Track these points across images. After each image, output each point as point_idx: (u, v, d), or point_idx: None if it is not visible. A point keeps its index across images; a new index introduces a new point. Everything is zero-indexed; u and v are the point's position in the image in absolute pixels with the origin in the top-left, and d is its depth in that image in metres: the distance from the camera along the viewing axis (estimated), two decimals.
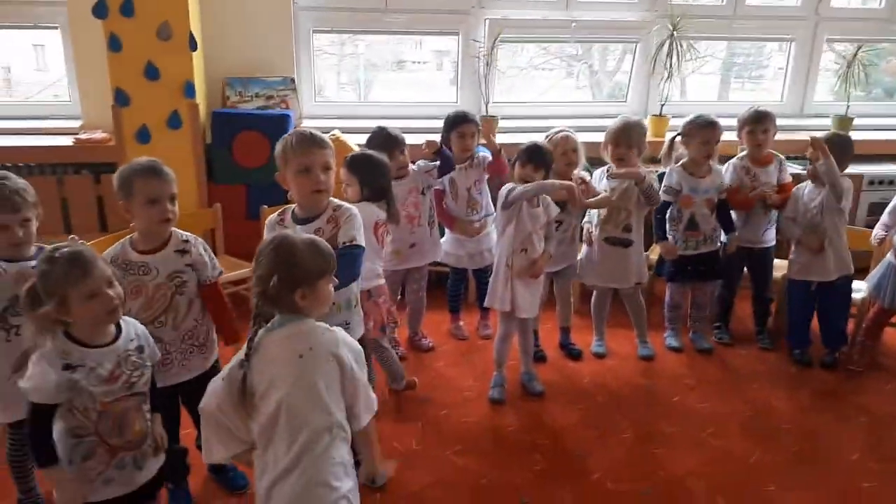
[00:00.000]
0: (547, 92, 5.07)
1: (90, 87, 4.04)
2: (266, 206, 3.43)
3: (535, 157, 2.91)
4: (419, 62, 5.05)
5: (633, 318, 3.52)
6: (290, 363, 1.65)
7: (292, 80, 4.26)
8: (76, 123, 4.18)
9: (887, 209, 3.37)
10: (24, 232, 2.04)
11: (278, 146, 2.27)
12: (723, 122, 3.44)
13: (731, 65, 5.48)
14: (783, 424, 2.94)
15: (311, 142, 2.23)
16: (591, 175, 3.36)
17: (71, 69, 4.20)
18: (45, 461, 1.72)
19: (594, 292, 3.52)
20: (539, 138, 3.23)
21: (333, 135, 3.93)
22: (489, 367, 3.15)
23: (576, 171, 3.22)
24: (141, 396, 1.82)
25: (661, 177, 3.47)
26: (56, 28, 4.17)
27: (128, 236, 2.20)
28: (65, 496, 1.75)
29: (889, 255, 3.32)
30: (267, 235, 2.13)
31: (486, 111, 4.43)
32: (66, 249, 1.70)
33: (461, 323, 3.70)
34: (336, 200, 2.30)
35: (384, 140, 3.13)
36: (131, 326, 1.86)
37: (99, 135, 3.97)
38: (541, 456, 2.68)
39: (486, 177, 3.44)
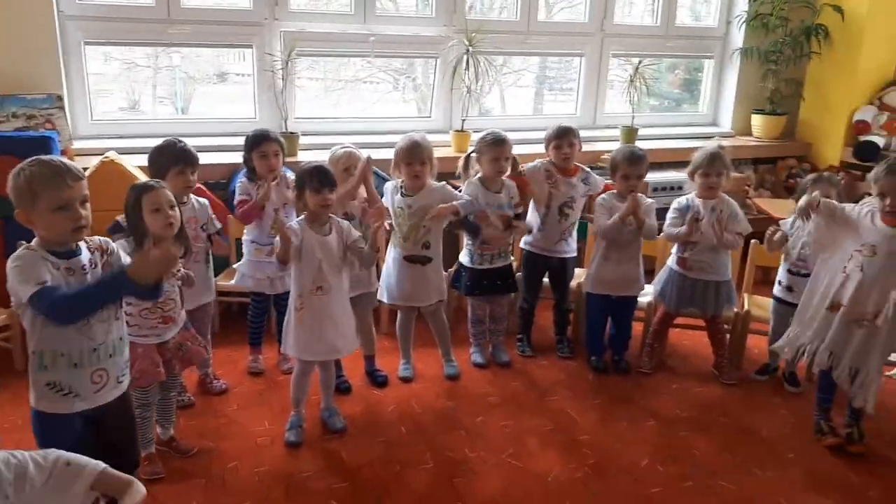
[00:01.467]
0: (373, 106, 4.97)
1: None
2: (25, 242, 3.00)
3: (316, 179, 2.73)
4: (243, 74, 4.73)
5: (437, 337, 3.48)
6: None
7: (59, 98, 3.80)
8: None
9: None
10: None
11: (16, 180, 1.93)
12: (535, 134, 3.47)
13: (543, 78, 5.68)
14: (582, 436, 3.00)
15: (64, 173, 1.92)
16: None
17: None
18: None
19: (399, 313, 3.44)
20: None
21: (107, 157, 3.55)
22: (288, 406, 2.95)
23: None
24: None
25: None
26: None
27: None
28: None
29: (669, 261, 3.53)
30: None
31: (286, 128, 4.22)
32: None
33: (260, 356, 3.47)
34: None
35: (179, 154, 2.90)
36: None
37: None
38: (336, 502, 2.53)
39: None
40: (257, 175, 3.27)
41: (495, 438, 2.96)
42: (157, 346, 2.54)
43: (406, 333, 3.45)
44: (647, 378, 3.52)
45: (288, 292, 2.87)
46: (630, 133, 4.86)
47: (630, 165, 3.37)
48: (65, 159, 2.00)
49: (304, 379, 2.90)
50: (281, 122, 4.22)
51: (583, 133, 3.74)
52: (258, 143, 3.25)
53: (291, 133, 4.20)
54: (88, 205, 1.97)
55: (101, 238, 2.10)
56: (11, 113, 3.69)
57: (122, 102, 4.62)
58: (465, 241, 3.51)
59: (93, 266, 1.99)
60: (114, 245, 2.11)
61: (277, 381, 3.34)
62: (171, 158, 2.88)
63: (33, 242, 1.94)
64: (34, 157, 1.96)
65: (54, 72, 3.85)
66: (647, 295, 3.64)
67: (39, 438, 1.99)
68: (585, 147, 4.35)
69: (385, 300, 3.37)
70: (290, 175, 3.30)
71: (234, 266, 3.56)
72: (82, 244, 2.00)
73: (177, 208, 2.48)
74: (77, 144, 3.95)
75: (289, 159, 3.76)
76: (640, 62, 4.89)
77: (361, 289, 3.20)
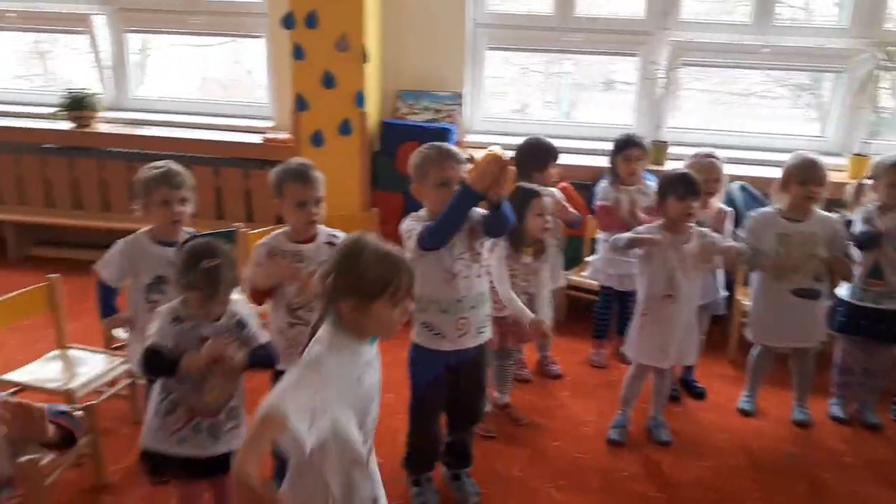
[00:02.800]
0: (765, 122, 4.69)
1: (282, 92, 4.42)
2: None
3: (682, 187, 2.67)
4: (628, 83, 4.91)
5: (797, 379, 3.11)
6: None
7: (460, 96, 4.35)
8: (269, 124, 4.60)
9: None
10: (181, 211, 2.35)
11: (413, 160, 2.31)
12: None
13: None
14: None
15: (448, 156, 2.25)
16: None
17: (269, 75, 4.62)
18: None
19: (758, 347, 3.12)
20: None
21: (492, 149, 3.96)
22: (617, 404, 2.96)
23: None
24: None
25: (847, 223, 3.06)
26: (261, 37, 4.61)
27: (283, 229, 2.36)
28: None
29: None
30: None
31: (658, 136, 4.21)
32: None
33: (602, 350, 3.54)
34: None
35: (536, 149, 3.14)
36: (239, 306, 2.00)
37: (283, 136, 4.32)
38: None
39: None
40: (619, 179, 3.33)
41: (841, 499, 2.58)
42: (496, 318, 2.76)
43: (760, 369, 3.15)
44: None
45: (635, 291, 2.87)
46: None
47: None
48: (451, 146, 2.31)
49: (637, 382, 2.89)
50: (654, 129, 4.22)
51: None
52: (625, 146, 3.33)
53: (662, 141, 4.17)
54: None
55: None
56: (423, 106, 4.33)
57: (513, 104, 5.06)
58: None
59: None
60: None
61: (611, 378, 3.36)
62: (542, 155, 3.10)
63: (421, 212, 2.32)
64: (429, 143, 2.31)
65: (459, 72, 4.40)
66: None
67: (413, 367, 2.37)
68: None
69: (752, 338, 3.06)
70: (651, 182, 3.30)
71: (587, 259, 3.68)
72: None
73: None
74: (468, 138, 4.47)
75: (654, 167, 3.75)
76: None
77: (708, 297, 3.06)
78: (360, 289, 1.52)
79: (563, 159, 3.36)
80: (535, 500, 2.51)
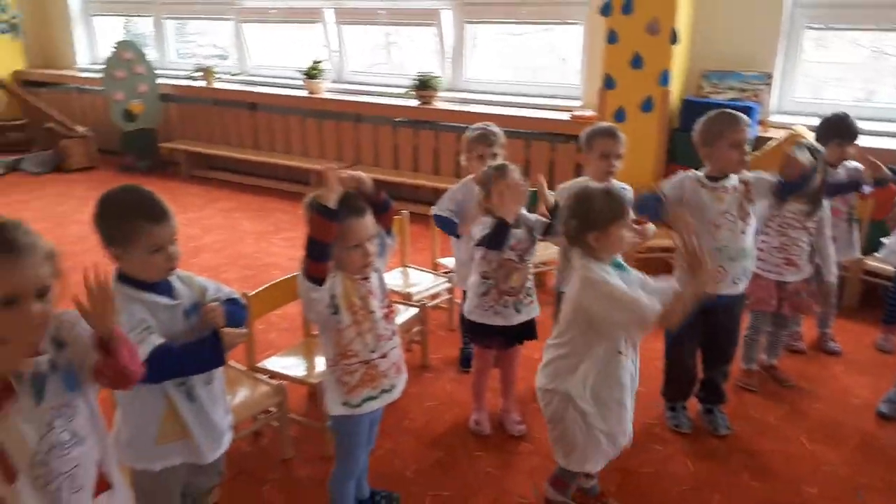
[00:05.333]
0: None
1: (592, 73, 4.87)
2: None
3: None
4: None
5: None
6: None
7: (769, 76, 4.38)
8: (577, 103, 5.10)
9: None
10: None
11: (702, 124, 2.54)
12: None
13: None
14: None
15: (736, 119, 2.49)
16: None
17: (583, 58, 5.12)
18: None
19: None
20: None
21: (793, 129, 3.97)
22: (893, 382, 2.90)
23: None
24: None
25: None
26: (579, 24, 5.12)
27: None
28: None
29: None
30: None
31: None
32: None
33: (893, 336, 3.40)
34: None
35: (834, 126, 3.10)
36: None
37: (589, 113, 4.78)
38: None
39: None
40: None
41: None
42: (777, 283, 2.88)
43: None
44: None
45: None
46: None
47: None
48: (740, 115, 2.49)
49: None
50: None
51: None
52: None
53: None
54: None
55: None
56: (728, 86, 4.46)
57: (857, 91, 4.72)
58: None
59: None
60: None
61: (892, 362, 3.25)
62: (834, 131, 3.07)
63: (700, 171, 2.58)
64: (716, 110, 2.54)
65: (770, 53, 4.42)
66: None
67: None
68: None
69: None
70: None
71: (883, 240, 3.53)
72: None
73: None
74: (774, 118, 4.47)
75: None
76: None
77: None
78: (596, 221, 1.93)
79: None
80: (786, 446, 2.64)
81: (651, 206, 2.48)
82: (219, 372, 1.79)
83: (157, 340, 1.58)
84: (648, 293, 1.92)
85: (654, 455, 2.58)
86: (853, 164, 3.10)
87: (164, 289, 1.68)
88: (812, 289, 2.98)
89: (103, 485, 1.46)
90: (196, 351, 1.65)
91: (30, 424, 1.32)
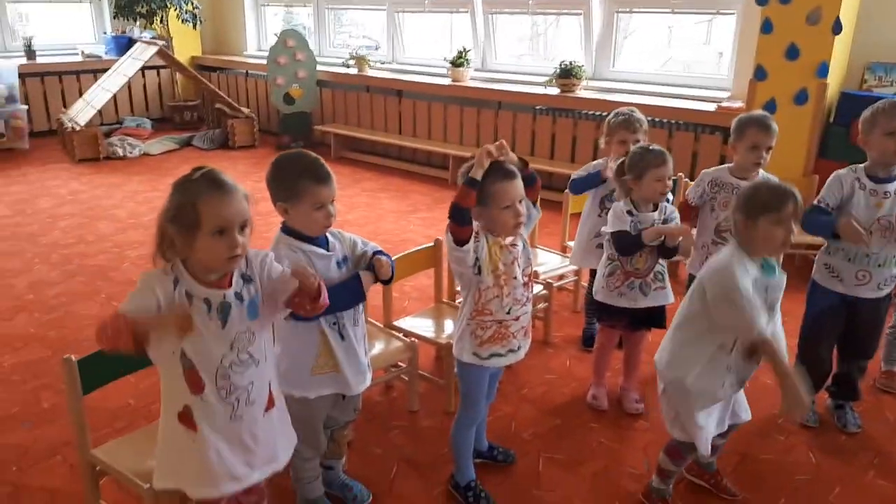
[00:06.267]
0: None
1: (743, 64, 4.71)
2: None
3: None
4: None
5: None
6: None
7: None
8: (724, 94, 4.95)
9: None
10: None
11: (866, 112, 2.44)
12: None
13: None
14: None
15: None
16: None
17: (734, 49, 4.95)
18: None
19: None
20: None
21: None
22: None
23: None
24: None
25: None
26: (732, 14, 4.96)
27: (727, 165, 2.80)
28: None
29: None
30: None
31: None
32: None
33: None
34: None
35: None
36: None
37: (737, 104, 4.63)
38: None
39: None
40: None
41: None
42: None
43: None
44: None
45: None
46: None
47: None
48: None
49: None
50: None
51: None
52: None
53: None
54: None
55: None
56: (894, 79, 4.17)
57: None
58: None
59: None
60: None
61: None
62: None
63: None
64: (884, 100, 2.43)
65: None
66: None
67: (808, 296, 2.60)
68: None
69: None
70: None
71: None
72: None
73: None
74: None
75: None
76: None
77: None
78: (746, 206, 1.89)
79: None
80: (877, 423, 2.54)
81: (821, 224, 2.41)
82: (362, 318, 2.01)
83: None
84: None
85: (775, 444, 2.53)
86: None
87: (321, 242, 1.90)
88: None
89: (271, 403, 1.71)
90: (345, 289, 1.87)
91: (216, 344, 1.56)
